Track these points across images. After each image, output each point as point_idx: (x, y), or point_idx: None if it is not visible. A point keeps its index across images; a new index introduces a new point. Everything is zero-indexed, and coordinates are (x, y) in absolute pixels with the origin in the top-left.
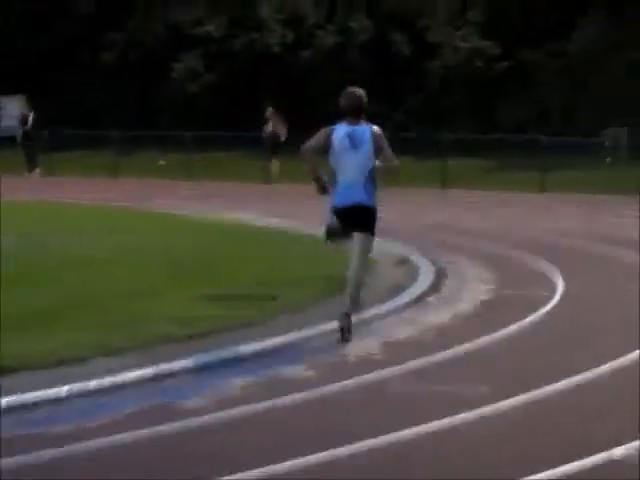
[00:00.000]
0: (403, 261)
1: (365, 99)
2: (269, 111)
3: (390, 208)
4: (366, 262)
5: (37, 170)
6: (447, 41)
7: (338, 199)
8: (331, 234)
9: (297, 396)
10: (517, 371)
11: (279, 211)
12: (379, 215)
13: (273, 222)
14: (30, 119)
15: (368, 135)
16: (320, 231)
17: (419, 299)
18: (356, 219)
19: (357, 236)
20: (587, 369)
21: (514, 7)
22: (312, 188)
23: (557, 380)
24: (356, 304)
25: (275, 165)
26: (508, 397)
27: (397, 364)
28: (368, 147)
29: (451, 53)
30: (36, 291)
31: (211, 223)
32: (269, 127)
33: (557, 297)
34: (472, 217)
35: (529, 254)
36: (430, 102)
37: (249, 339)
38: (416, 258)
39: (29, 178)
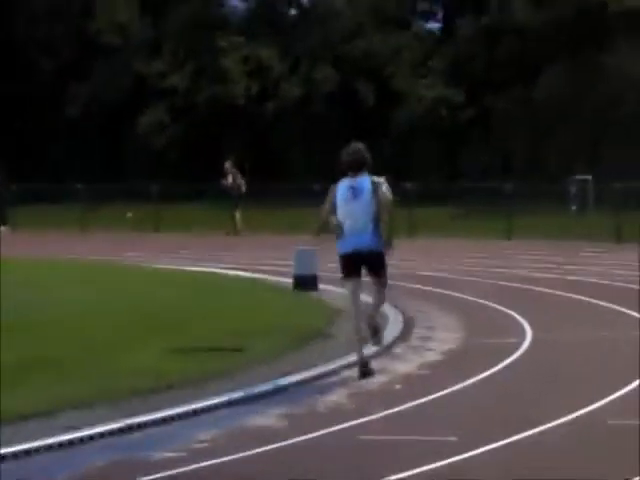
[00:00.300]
0: None
1: (366, 153)
2: (228, 163)
3: None
4: (382, 297)
5: (2, 228)
6: (412, 90)
7: (346, 245)
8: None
9: (267, 447)
10: (484, 421)
11: (246, 262)
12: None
13: (241, 273)
14: None
15: (369, 184)
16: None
17: (388, 348)
18: (367, 263)
19: (372, 278)
20: (554, 419)
21: (479, 55)
22: (276, 239)
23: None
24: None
25: (237, 216)
26: (476, 447)
27: (366, 414)
28: (369, 195)
29: (416, 102)
30: (4, 346)
31: (179, 275)
32: (229, 179)
33: (526, 344)
34: (439, 266)
35: (497, 302)
36: (396, 150)
37: (217, 391)
38: (385, 307)
39: None
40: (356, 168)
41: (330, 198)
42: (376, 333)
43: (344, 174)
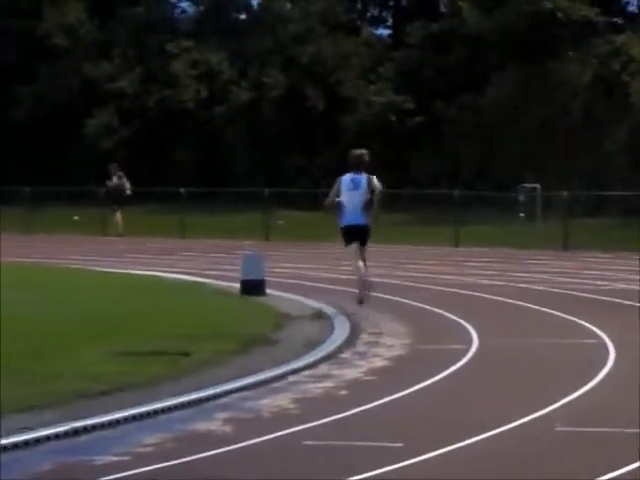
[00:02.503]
0: (318, 316)
1: (366, 157)
2: (113, 166)
3: (300, 263)
4: (366, 257)
5: None
6: (361, 95)
7: (347, 220)
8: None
9: (212, 452)
10: (430, 427)
11: (191, 266)
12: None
13: (186, 277)
14: None
15: (364, 181)
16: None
17: (334, 354)
18: (359, 234)
19: (360, 243)
20: (501, 425)
21: (428, 61)
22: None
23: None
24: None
25: (118, 217)
26: (423, 453)
27: (312, 420)
28: (364, 188)
29: (365, 107)
30: None
31: (123, 278)
32: (113, 180)
33: (473, 350)
34: (385, 272)
35: (444, 308)
36: (345, 156)
37: (163, 395)
38: (331, 312)
39: None
40: (357, 167)
41: (337, 186)
42: (368, 288)
43: (347, 170)
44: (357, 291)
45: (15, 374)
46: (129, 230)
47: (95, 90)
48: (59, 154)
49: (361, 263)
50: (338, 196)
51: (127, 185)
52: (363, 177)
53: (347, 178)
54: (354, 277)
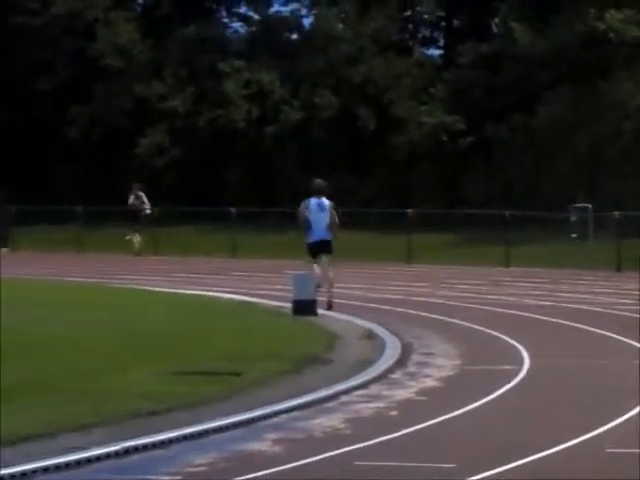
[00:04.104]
0: (369, 336)
1: (325, 186)
2: (135, 186)
3: (355, 283)
4: (331, 267)
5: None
6: (412, 116)
7: (316, 236)
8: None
9: (263, 472)
10: (481, 448)
11: (243, 286)
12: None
13: (237, 297)
14: None
15: (328, 205)
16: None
17: (385, 374)
18: (324, 247)
19: (324, 256)
20: (552, 446)
21: (479, 82)
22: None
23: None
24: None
25: (136, 237)
26: (475, 473)
27: (363, 440)
28: (327, 210)
29: (416, 128)
30: (4, 367)
31: (171, 297)
32: (130, 199)
33: (524, 371)
34: (437, 292)
35: (494, 329)
36: (395, 177)
37: (214, 415)
38: (382, 333)
39: None
40: (319, 193)
41: (304, 207)
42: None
43: (311, 195)
44: (325, 294)
45: (67, 394)
46: (179, 250)
47: (147, 110)
48: (111, 173)
49: (329, 273)
50: (306, 216)
51: (146, 205)
52: (326, 202)
53: (314, 202)
54: (320, 282)
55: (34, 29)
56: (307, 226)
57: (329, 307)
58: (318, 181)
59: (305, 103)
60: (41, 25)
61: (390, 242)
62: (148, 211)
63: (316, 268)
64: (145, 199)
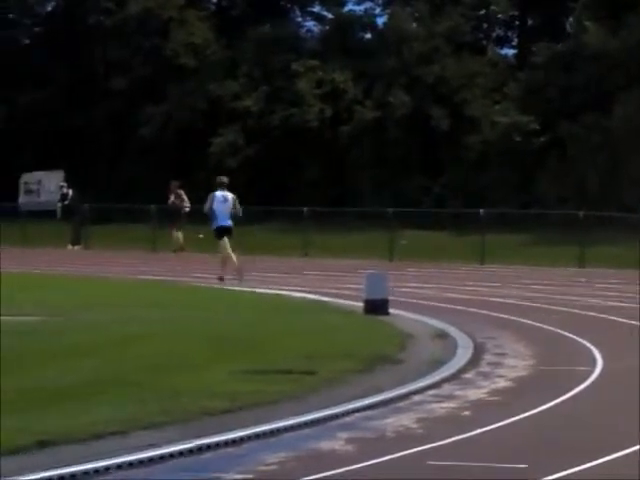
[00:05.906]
0: (442, 335)
1: (227, 182)
2: (173, 184)
3: (428, 283)
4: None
5: (74, 247)
6: (485, 115)
7: (220, 222)
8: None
9: (335, 471)
10: (553, 449)
11: (314, 285)
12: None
13: (308, 296)
14: (69, 194)
15: (231, 196)
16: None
17: (458, 374)
18: (228, 231)
19: (227, 238)
20: (625, 447)
21: (553, 81)
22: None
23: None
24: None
25: (176, 235)
26: (547, 474)
27: (436, 440)
28: (230, 201)
29: (489, 127)
30: (79, 366)
31: (244, 296)
32: (171, 198)
33: (596, 373)
34: (510, 292)
35: (567, 329)
36: (469, 176)
37: (287, 414)
38: (455, 333)
39: (71, 251)
40: (223, 187)
41: (210, 199)
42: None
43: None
44: (221, 272)
45: (140, 392)
46: (252, 249)
47: (221, 109)
48: (184, 173)
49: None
50: (211, 206)
51: (185, 203)
52: (229, 194)
53: (219, 194)
54: (224, 262)
55: (108, 29)
56: (212, 215)
57: (220, 279)
58: (222, 178)
59: (378, 102)
60: (115, 24)
61: (463, 242)
62: (187, 209)
63: (223, 245)
64: (185, 197)
